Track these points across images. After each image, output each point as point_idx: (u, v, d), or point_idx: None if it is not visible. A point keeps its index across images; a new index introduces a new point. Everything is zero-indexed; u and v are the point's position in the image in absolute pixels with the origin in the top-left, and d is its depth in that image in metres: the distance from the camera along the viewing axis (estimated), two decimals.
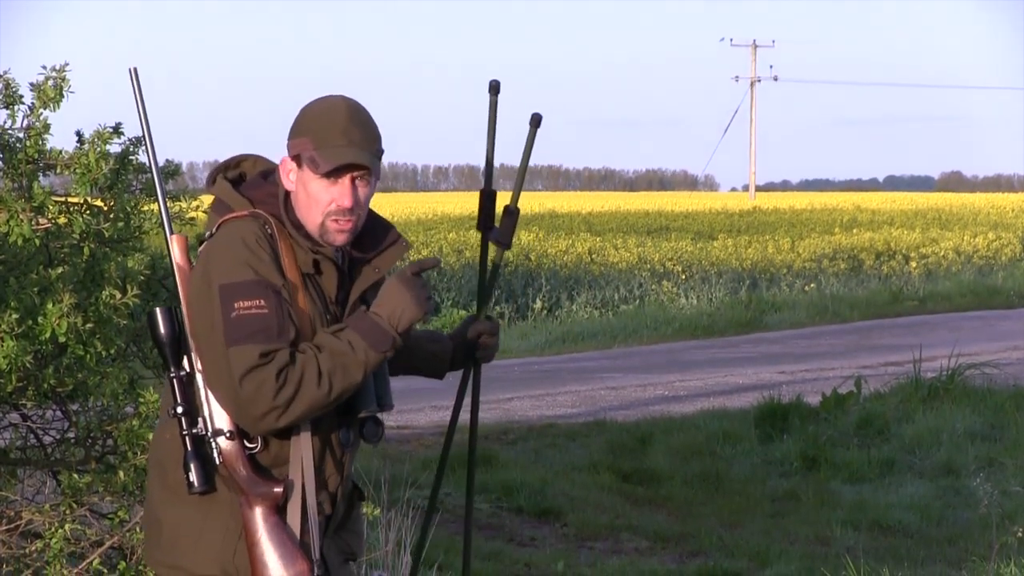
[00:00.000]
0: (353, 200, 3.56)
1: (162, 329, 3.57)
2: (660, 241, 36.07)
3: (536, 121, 4.03)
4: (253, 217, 3.56)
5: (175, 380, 3.56)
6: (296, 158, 3.58)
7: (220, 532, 3.58)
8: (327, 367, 3.47)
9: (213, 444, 3.54)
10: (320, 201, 3.56)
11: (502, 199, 4.01)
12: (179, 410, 3.55)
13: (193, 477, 3.52)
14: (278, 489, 3.54)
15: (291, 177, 3.60)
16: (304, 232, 3.59)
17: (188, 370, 3.56)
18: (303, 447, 3.57)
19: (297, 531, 3.58)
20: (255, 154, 3.76)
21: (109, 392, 5.16)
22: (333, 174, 3.54)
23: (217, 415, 3.54)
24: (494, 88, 3.98)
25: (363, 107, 3.61)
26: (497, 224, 4.04)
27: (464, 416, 4.17)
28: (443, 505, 9.56)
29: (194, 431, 3.54)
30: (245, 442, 3.55)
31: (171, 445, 3.61)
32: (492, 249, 4.10)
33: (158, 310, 3.58)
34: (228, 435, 3.53)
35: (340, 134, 3.53)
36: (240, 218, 3.57)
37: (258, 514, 3.54)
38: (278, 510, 3.56)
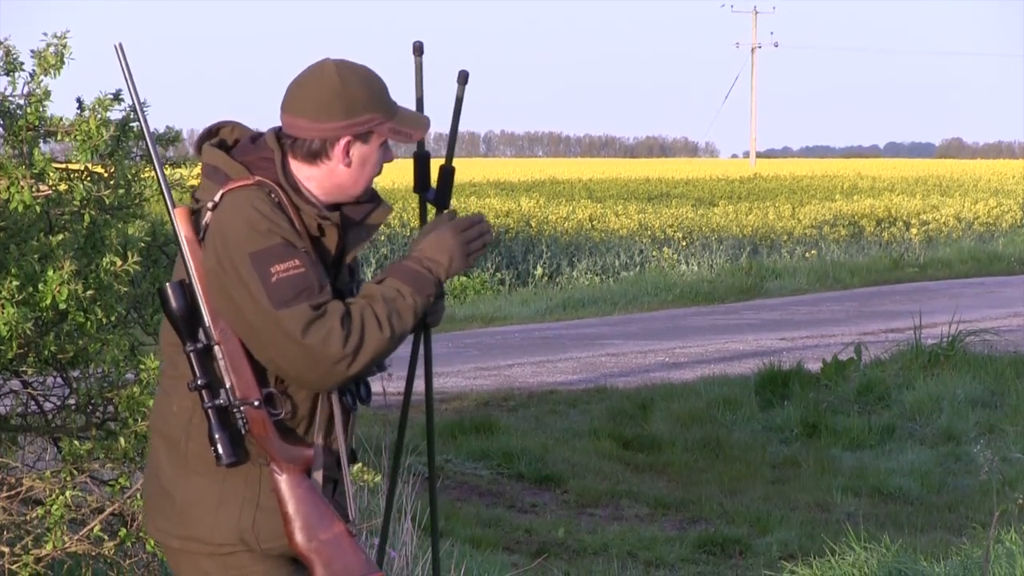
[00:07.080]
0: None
1: (174, 304, 3.50)
2: (661, 208, 36.00)
3: (463, 78, 4.01)
4: (258, 186, 3.51)
5: (192, 353, 3.50)
6: (361, 136, 3.55)
7: (238, 502, 3.55)
8: (383, 313, 3.47)
9: (239, 414, 3.49)
10: (376, 166, 3.61)
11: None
12: (199, 383, 3.49)
13: (220, 449, 3.47)
14: (309, 452, 3.53)
15: (351, 155, 3.56)
16: (304, 197, 3.56)
17: (204, 342, 3.51)
18: (335, 407, 3.57)
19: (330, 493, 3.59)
20: (232, 120, 3.70)
21: (110, 359, 5.15)
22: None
23: (242, 384, 3.49)
24: (418, 49, 3.97)
25: None
26: (433, 185, 4.02)
27: (419, 384, 4.14)
28: (443, 472, 9.57)
29: (217, 403, 3.49)
30: (270, 408, 3.52)
31: (179, 417, 3.58)
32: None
33: (168, 285, 3.51)
34: (255, 403, 3.49)
35: (391, 98, 3.58)
36: (245, 187, 3.51)
37: (290, 479, 3.52)
38: (307, 473, 3.55)
